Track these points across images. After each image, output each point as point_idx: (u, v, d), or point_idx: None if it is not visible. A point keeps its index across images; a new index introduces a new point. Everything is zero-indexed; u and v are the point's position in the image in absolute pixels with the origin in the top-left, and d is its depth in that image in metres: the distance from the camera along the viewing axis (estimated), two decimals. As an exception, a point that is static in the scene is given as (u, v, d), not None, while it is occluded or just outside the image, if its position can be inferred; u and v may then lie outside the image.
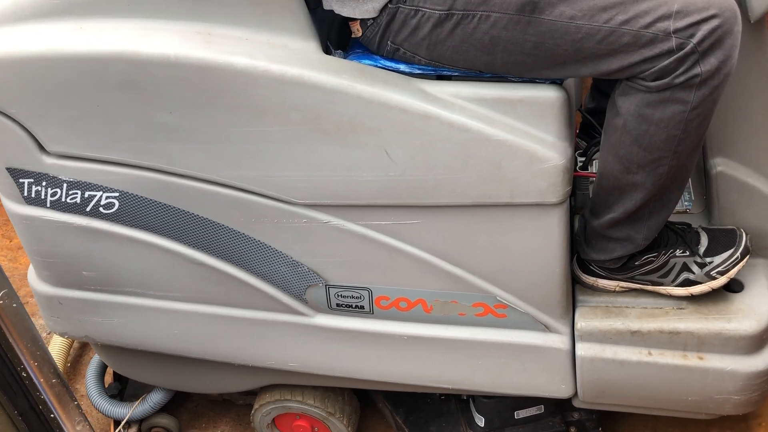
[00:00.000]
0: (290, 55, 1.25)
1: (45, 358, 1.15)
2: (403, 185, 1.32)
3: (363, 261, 1.45)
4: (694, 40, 1.06)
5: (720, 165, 1.43)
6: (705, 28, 1.06)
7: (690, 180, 1.64)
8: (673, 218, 1.58)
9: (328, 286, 1.50)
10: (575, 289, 1.53)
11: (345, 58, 1.31)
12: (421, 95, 1.25)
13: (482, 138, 1.25)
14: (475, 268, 1.43)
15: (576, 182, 1.61)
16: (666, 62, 1.09)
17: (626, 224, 1.32)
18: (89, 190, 1.43)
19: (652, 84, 1.11)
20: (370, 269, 1.46)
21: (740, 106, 1.37)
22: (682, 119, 1.13)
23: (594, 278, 1.48)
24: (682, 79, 1.09)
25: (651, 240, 1.35)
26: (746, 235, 1.39)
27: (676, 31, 1.06)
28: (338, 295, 1.51)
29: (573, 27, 1.10)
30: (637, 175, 1.22)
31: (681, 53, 1.07)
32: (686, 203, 1.60)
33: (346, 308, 1.52)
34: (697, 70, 1.08)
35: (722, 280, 1.37)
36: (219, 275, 1.52)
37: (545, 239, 1.36)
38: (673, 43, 1.07)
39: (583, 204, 1.59)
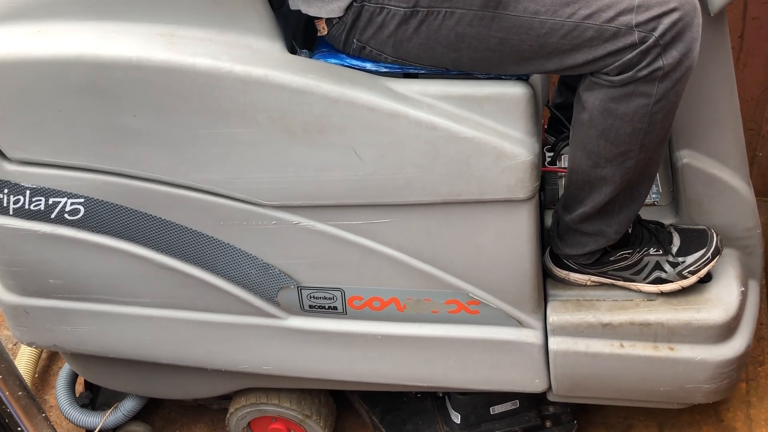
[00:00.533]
0: (255, 56, 1.23)
1: (10, 371, 1.13)
2: (373, 184, 1.31)
3: (335, 261, 1.44)
4: (656, 34, 1.08)
5: (685, 157, 1.44)
6: (666, 22, 1.07)
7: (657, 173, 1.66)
8: (641, 211, 1.60)
9: (300, 288, 1.49)
10: (546, 283, 1.54)
11: (311, 57, 1.31)
12: (389, 93, 1.25)
13: (450, 135, 1.25)
14: (446, 265, 1.43)
15: (545, 177, 1.62)
16: (629, 56, 1.10)
17: (597, 218, 1.33)
18: (53, 197, 1.41)
19: (616, 78, 1.12)
20: (342, 269, 1.45)
21: (704, 99, 1.38)
22: (646, 112, 1.14)
23: (566, 272, 1.49)
24: (645, 72, 1.10)
25: (622, 234, 1.36)
26: (717, 236, 1.42)
27: (638, 24, 1.07)
28: (311, 297, 1.50)
29: (537, 22, 1.10)
30: (606, 169, 1.23)
31: (643, 46, 1.08)
32: (654, 196, 1.61)
33: (319, 309, 1.52)
34: (659, 63, 1.10)
35: (692, 279, 1.39)
36: (189, 279, 1.50)
37: (515, 235, 1.36)
38: (635, 36, 1.08)
39: (552, 199, 1.60)
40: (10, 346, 2.08)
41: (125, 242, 1.46)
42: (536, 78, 1.40)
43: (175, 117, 1.27)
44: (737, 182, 1.46)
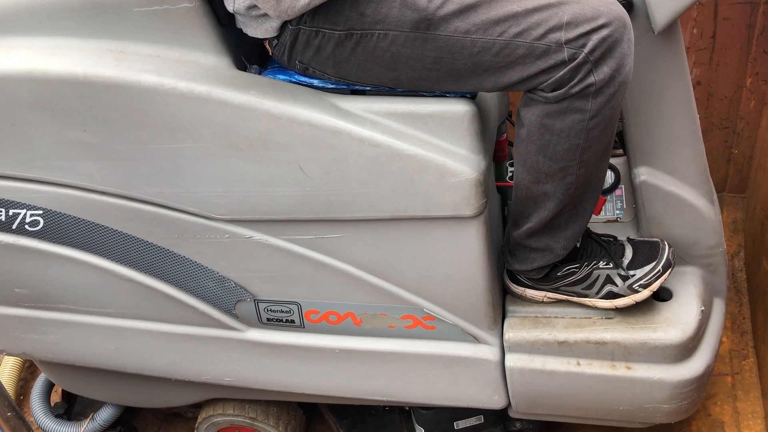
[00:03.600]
0: (200, 72, 1.25)
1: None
2: (320, 200, 1.32)
3: (289, 275, 1.45)
4: (586, 50, 1.07)
5: (643, 174, 1.42)
6: (595, 38, 1.06)
7: (623, 188, 1.64)
8: (603, 228, 1.59)
9: (257, 301, 1.50)
10: (506, 299, 1.53)
11: (260, 73, 1.31)
12: (332, 110, 1.25)
13: (393, 153, 1.25)
14: (400, 280, 1.42)
15: (507, 192, 1.61)
16: (561, 73, 1.09)
17: (544, 234, 1.32)
18: (13, 208, 1.43)
19: (551, 95, 1.12)
20: (297, 283, 1.46)
21: (660, 115, 1.36)
22: (582, 128, 1.13)
23: (522, 288, 1.48)
24: (577, 88, 1.10)
25: (570, 249, 1.34)
26: (669, 248, 1.39)
27: (568, 41, 1.07)
28: (268, 310, 1.51)
29: (469, 41, 1.10)
30: (547, 185, 1.22)
31: (574, 63, 1.08)
32: (617, 212, 1.60)
33: (276, 322, 1.52)
34: (591, 79, 1.09)
35: (645, 294, 1.37)
36: (149, 291, 1.51)
37: (465, 252, 1.36)
38: (565, 53, 1.07)
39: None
40: (-9, 353, 2.12)
41: (86, 253, 1.48)
42: (489, 95, 1.40)
43: (123, 132, 1.29)
44: (698, 200, 1.43)
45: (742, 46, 1.93)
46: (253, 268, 1.45)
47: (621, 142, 1.60)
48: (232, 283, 1.47)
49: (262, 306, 1.50)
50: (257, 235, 1.39)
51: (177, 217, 1.39)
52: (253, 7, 1.18)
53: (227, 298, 1.50)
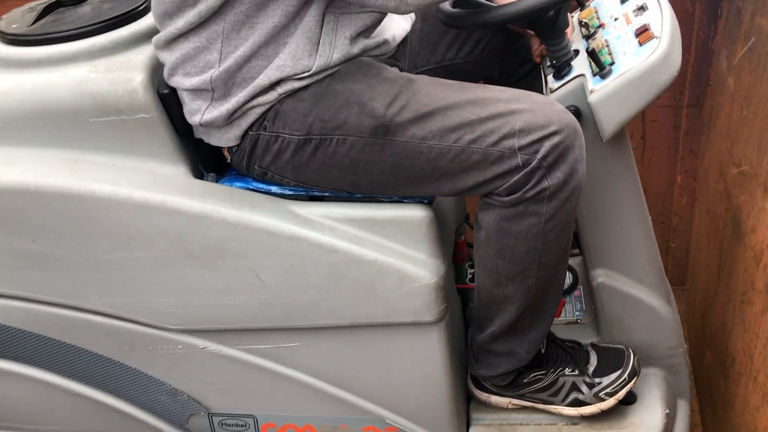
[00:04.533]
0: (156, 181, 1.24)
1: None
2: (277, 308, 1.29)
3: (245, 387, 1.40)
4: (539, 156, 1.10)
5: (600, 276, 1.43)
6: (547, 144, 1.09)
7: (581, 289, 1.65)
8: (564, 329, 1.58)
9: (211, 415, 1.43)
10: (470, 406, 1.49)
11: (217, 181, 1.31)
12: (290, 217, 1.25)
13: (352, 258, 1.24)
14: (360, 390, 1.38)
15: (467, 294, 1.60)
16: (515, 178, 1.11)
17: (507, 338, 1.30)
18: (-46, 322, 1.37)
19: (506, 199, 1.14)
20: (253, 395, 1.40)
21: (613, 218, 1.38)
22: (539, 231, 1.15)
23: (487, 394, 1.44)
24: (532, 193, 1.12)
25: (534, 353, 1.33)
26: (634, 355, 1.39)
27: (521, 148, 1.10)
28: (222, 424, 1.44)
29: (425, 147, 1.12)
30: (508, 288, 1.22)
31: (528, 169, 1.10)
32: (577, 313, 1.60)
33: (232, 437, 1.45)
34: (545, 183, 1.11)
35: (611, 402, 1.35)
36: (96, 405, 1.44)
37: (427, 358, 1.33)
38: (519, 159, 1.10)
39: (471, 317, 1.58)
40: None
41: (31, 368, 1.42)
42: (446, 198, 1.42)
43: (75, 242, 1.26)
44: (655, 301, 1.44)
45: (670, 145, 2.04)
46: (207, 379, 1.39)
47: (577, 242, 1.63)
48: (185, 396, 1.41)
49: (216, 420, 1.44)
50: (212, 346, 1.35)
51: (129, 327, 1.34)
52: (230, 116, 1.19)
53: (180, 412, 1.43)
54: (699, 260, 1.88)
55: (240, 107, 1.18)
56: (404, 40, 1.41)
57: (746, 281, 1.46)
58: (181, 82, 1.19)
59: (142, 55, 1.26)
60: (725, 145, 1.65)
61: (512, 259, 1.18)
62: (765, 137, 1.35)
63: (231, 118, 1.19)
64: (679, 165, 2.06)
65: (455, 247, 1.57)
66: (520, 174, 1.11)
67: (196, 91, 1.19)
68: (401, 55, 1.40)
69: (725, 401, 1.55)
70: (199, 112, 1.20)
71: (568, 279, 1.67)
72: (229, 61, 1.15)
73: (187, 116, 1.24)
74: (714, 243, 1.75)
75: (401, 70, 1.40)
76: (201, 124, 1.21)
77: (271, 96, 1.17)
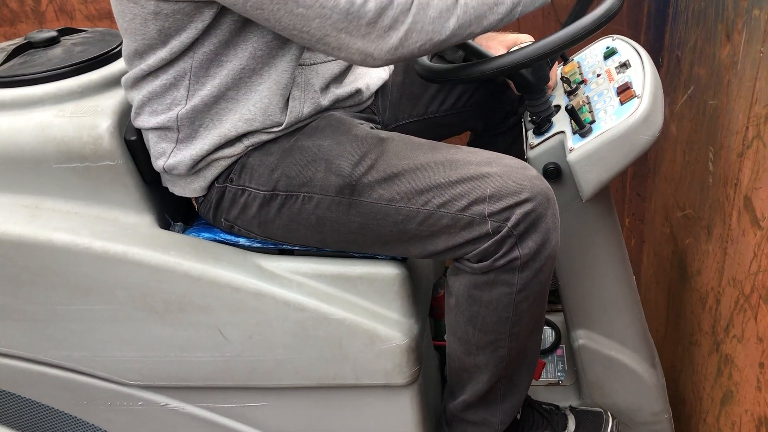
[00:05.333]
0: (118, 231, 1.19)
1: None
2: (241, 366, 1.23)
3: (208, 446, 1.33)
4: (509, 224, 1.04)
5: (582, 338, 1.38)
6: (518, 212, 1.04)
7: (563, 349, 1.59)
8: (544, 391, 1.52)
9: (171, 475, 1.36)
10: (445, 471, 1.42)
11: (184, 231, 1.26)
12: (256, 272, 1.20)
13: (320, 317, 1.18)
14: (328, 453, 1.32)
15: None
16: (486, 245, 1.06)
17: (480, 407, 1.24)
18: None
19: (476, 266, 1.08)
20: (216, 455, 1.34)
21: (595, 278, 1.34)
22: (510, 301, 1.09)
23: (462, 459, 1.38)
24: (502, 261, 1.06)
25: (508, 423, 1.26)
26: (613, 419, 1.33)
27: (491, 214, 1.05)
28: (183, 485, 1.37)
29: (393, 209, 1.08)
30: (479, 357, 1.16)
31: (498, 236, 1.05)
32: (559, 374, 1.54)
33: (193, 499, 1.38)
34: (515, 253, 1.06)
35: None
36: (52, 463, 1.37)
37: (399, 422, 1.27)
38: (489, 226, 1.05)
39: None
40: None
41: (-16, 421, 1.35)
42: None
43: (33, 292, 1.20)
44: (638, 364, 1.39)
45: (617, 189, 2.02)
46: (168, 438, 1.33)
47: (560, 298, 1.58)
48: (145, 454, 1.34)
49: (177, 480, 1.37)
50: (173, 403, 1.29)
51: (86, 381, 1.28)
52: (195, 164, 1.15)
53: (139, 471, 1.36)
54: (649, 302, 1.86)
55: (205, 156, 1.14)
56: (385, 91, 1.37)
57: (693, 323, 1.44)
58: (147, 121, 1.15)
59: (111, 100, 1.22)
60: (670, 189, 1.65)
61: (483, 328, 1.12)
62: (706, 182, 1.34)
63: (196, 167, 1.15)
64: (626, 208, 2.05)
65: (434, 302, 1.52)
66: (491, 241, 1.05)
67: (162, 131, 1.15)
68: (379, 107, 1.37)
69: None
70: (164, 156, 1.16)
71: (550, 336, 1.61)
72: (195, 100, 1.11)
73: (153, 161, 1.20)
74: (662, 285, 1.74)
75: (379, 122, 1.37)
76: (165, 170, 1.17)
77: (238, 148, 1.13)
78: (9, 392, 1.31)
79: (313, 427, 1.30)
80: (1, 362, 1.28)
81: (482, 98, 1.41)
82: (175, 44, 1.08)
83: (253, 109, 1.10)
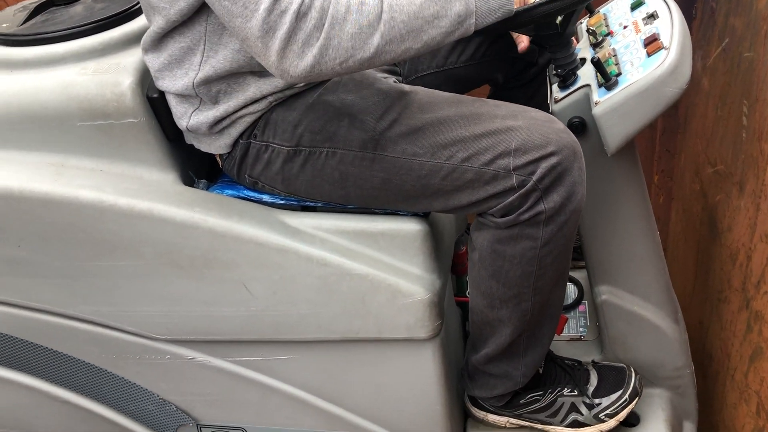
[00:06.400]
0: (143, 188, 1.20)
1: None
2: (266, 320, 1.25)
3: (234, 399, 1.36)
4: (535, 178, 1.03)
5: (605, 293, 1.38)
6: (544, 166, 1.03)
7: (586, 303, 1.59)
8: (566, 346, 1.53)
9: (199, 426, 1.40)
10: (467, 423, 1.44)
11: (207, 188, 1.27)
12: (280, 228, 1.20)
13: (343, 272, 1.19)
14: (352, 405, 1.34)
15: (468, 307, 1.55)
16: (510, 199, 1.05)
17: (502, 360, 1.25)
18: (-60, 325, 1.34)
19: (500, 220, 1.08)
20: (242, 408, 1.37)
21: (619, 233, 1.33)
22: (534, 255, 1.09)
23: (484, 413, 1.40)
24: (527, 216, 1.06)
25: (531, 376, 1.27)
26: (636, 375, 1.33)
27: (516, 168, 1.04)
28: (211, 435, 1.41)
29: (416, 164, 1.07)
30: (502, 311, 1.17)
31: (523, 190, 1.04)
32: (581, 329, 1.54)
33: (221, 449, 1.42)
34: (540, 207, 1.05)
35: (611, 423, 1.30)
36: (84, 413, 1.42)
37: (421, 375, 1.29)
38: (514, 180, 1.04)
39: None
40: None
41: (18, 373, 1.39)
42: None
43: (60, 248, 1.23)
44: (661, 320, 1.38)
45: (646, 145, 1.98)
46: (195, 391, 1.36)
47: (582, 254, 1.57)
48: (174, 406, 1.38)
49: (205, 431, 1.40)
50: (200, 357, 1.31)
51: (115, 336, 1.31)
52: (217, 123, 1.14)
53: (168, 422, 1.40)
54: (677, 259, 1.85)
55: (228, 115, 1.14)
56: None
57: (723, 279, 1.43)
58: (167, 85, 1.14)
59: (133, 57, 1.22)
60: (700, 145, 1.62)
61: (506, 282, 1.12)
62: (739, 137, 1.31)
63: (219, 125, 1.15)
64: (655, 165, 2.01)
65: (456, 259, 1.52)
66: (515, 195, 1.05)
67: (182, 96, 1.15)
68: (400, 59, 1.35)
69: (703, 399, 1.51)
70: (185, 116, 1.16)
71: (573, 293, 1.61)
72: (213, 65, 1.09)
73: (176, 120, 1.20)
74: (691, 242, 1.72)
75: (400, 74, 1.35)
76: (188, 129, 1.17)
77: (262, 104, 1.13)
78: (41, 346, 1.35)
79: (336, 379, 1.32)
80: (33, 317, 1.31)
81: (501, 49, 1.39)
82: (183, 4, 1.05)
83: None
